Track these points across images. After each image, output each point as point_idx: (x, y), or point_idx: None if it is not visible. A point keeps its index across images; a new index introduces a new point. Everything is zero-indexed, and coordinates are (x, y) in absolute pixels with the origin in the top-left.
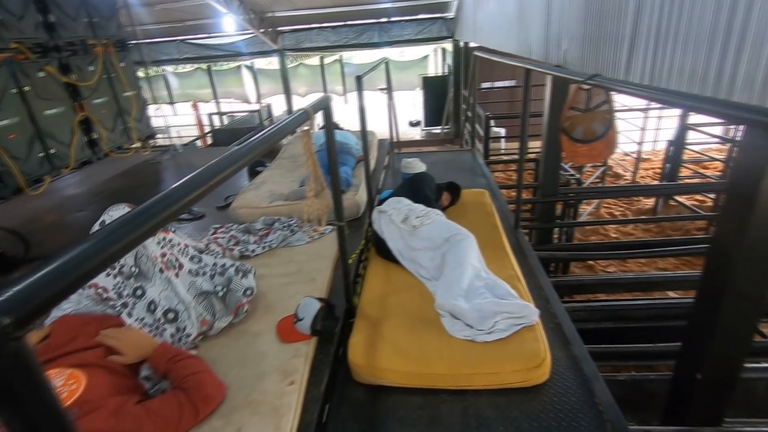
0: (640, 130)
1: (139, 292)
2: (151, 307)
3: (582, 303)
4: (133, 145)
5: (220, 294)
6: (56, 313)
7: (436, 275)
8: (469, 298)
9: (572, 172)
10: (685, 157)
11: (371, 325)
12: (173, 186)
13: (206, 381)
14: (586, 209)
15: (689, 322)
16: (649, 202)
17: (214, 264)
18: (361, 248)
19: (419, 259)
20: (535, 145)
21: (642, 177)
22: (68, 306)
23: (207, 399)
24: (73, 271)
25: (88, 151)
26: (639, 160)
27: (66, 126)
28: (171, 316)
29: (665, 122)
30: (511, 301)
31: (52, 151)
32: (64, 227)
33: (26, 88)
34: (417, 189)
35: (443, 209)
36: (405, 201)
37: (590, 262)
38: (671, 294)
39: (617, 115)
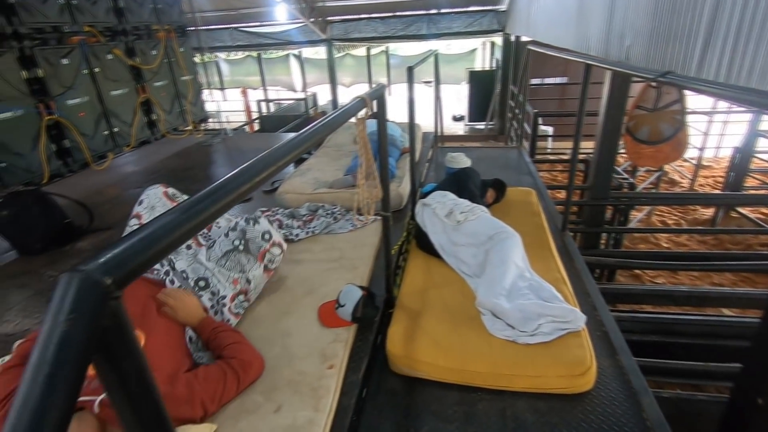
0: (703, 135)
1: (172, 264)
2: (184, 275)
3: (626, 313)
4: (188, 128)
5: (241, 247)
6: None
7: (478, 272)
8: (511, 297)
9: (625, 175)
10: (752, 166)
11: (410, 317)
12: (245, 165)
13: (244, 350)
14: (636, 215)
15: (753, 343)
16: (707, 212)
17: (226, 227)
18: (403, 240)
19: (461, 254)
20: (586, 146)
21: (701, 185)
22: None
23: (246, 366)
24: (163, 238)
25: (147, 131)
26: (699, 166)
27: (129, 106)
28: (202, 284)
29: (731, 127)
30: (556, 305)
31: (115, 129)
32: (123, 202)
33: (96, 70)
34: (462, 184)
35: (488, 206)
36: (450, 195)
37: (637, 271)
38: (726, 311)
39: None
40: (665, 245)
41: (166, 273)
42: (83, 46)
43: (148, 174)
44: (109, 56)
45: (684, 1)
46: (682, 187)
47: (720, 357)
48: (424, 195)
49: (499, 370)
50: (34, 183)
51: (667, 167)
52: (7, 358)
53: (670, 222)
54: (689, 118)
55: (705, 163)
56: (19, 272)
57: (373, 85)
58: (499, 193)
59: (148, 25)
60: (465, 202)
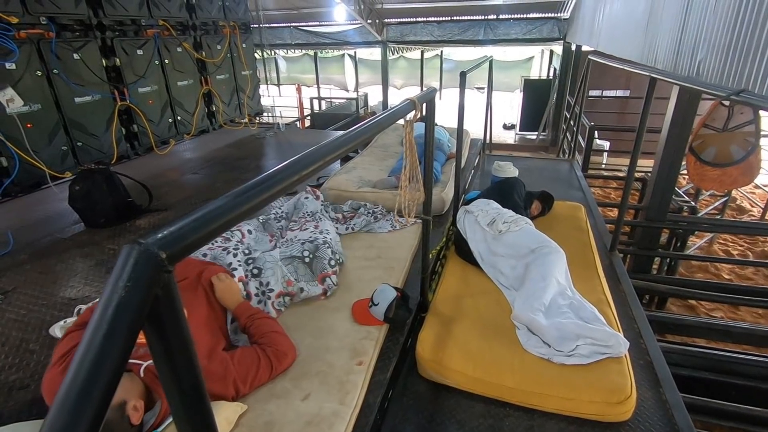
0: None
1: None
2: (249, 261)
3: (676, 345)
4: (243, 120)
5: (307, 260)
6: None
7: (516, 285)
8: (549, 314)
9: (686, 198)
10: None
11: (442, 323)
12: (292, 159)
13: (281, 340)
14: (696, 242)
15: None
16: None
17: (308, 239)
18: (442, 245)
19: (500, 265)
20: (644, 164)
21: None
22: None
23: (280, 356)
24: (213, 221)
25: (206, 121)
26: None
27: (192, 97)
28: (255, 271)
29: None
30: (597, 327)
31: (178, 118)
32: (181, 185)
33: (166, 61)
34: (506, 194)
35: (532, 218)
36: (494, 204)
37: (692, 302)
38: None
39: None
40: (727, 277)
41: (236, 248)
42: (157, 38)
43: (204, 161)
44: (179, 49)
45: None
46: (752, 215)
47: None
48: (468, 202)
49: (530, 387)
50: (104, 163)
51: (735, 192)
52: (70, 320)
53: (734, 252)
54: (763, 140)
55: None
56: (85, 242)
57: (425, 89)
58: (546, 205)
59: (216, 21)
60: (508, 212)
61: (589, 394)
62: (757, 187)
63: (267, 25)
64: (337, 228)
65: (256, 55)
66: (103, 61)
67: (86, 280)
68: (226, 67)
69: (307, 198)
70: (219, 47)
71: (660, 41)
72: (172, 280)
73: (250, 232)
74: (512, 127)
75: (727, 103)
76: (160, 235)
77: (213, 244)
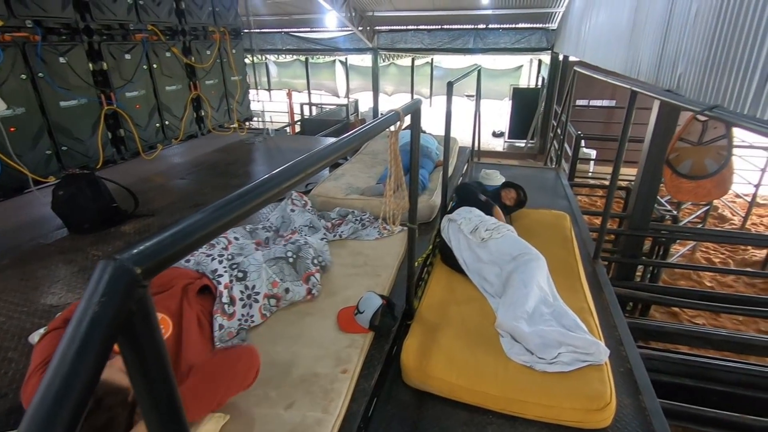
0: (760, 171)
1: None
2: (233, 265)
3: (658, 352)
4: (233, 125)
5: (291, 260)
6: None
7: (500, 292)
8: (532, 322)
9: (669, 207)
10: None
11: (428, 331)
12: (277, 170)
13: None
14: (678, 249)
15: None
16: (759, 253)
17: (290, 241)
18: (428, 253)
19: (485, 272)
20: (629, 173)
21: (753, 224)
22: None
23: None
24: (190, 236)
25: (195, 126)
26: (753, 204)
27: (180, 102)
28: (240, 275)
29: None
30: (578, 335)
31: (166, 122)
32: (167, 190)
33: (154, 66)
34: (469, 197)
35: (506, 209)
36: (476, 211)
37: (675, 309)
38: None
39: (734, 152)
40: (708, 284)
41: (220, 254)
42: (145, 43)
43: (192, 166)
44: (167, 54)
45: (744, 32)
46: (733, 224)
47: (760, 410)
48: (451, 210)
49: (513, 394)
50: (89, 167)
51: (717, 202)
52: (41, 331)
53: (716, 260)
54: (744, 152)
55: (761, 201)
56: (68, 248)
57: (415, 96)
58: (519, 191)
59: (205, 26)
60: (491, 220)
61: (570, 401)
62: (737, 196)
63: (258, 31)
64: (325, 235)
65: (246, 60)
66: (90, 65)
67: (68, 286)
68: (216, 72)
69: (293, 211)
70: (208, 52)
71: (642, 54)
72: (146, 295)
73: (237, 239)
74: (501, 134)
75: (702, 117)
76: (135, 251)
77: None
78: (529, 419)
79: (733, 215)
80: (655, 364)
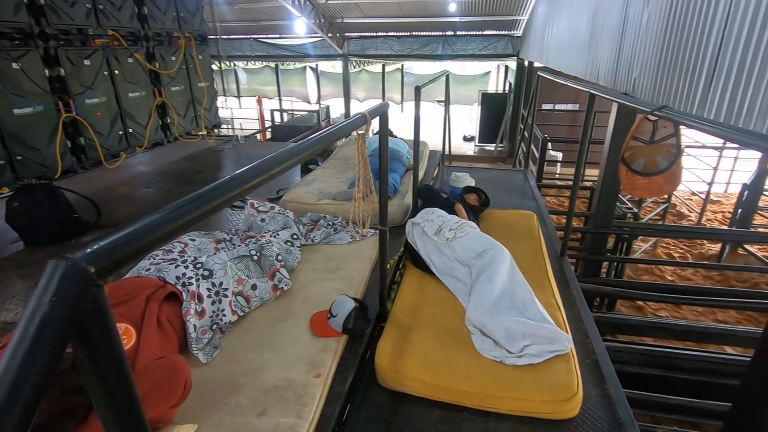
0: (713, 170)
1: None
2: (197, 265)
3: (625, 344)
4: (200, 133)
5: (255, 257)
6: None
7: (470, 290)
8: (497, 315)
9: (630, 205)
10: (761, 203)
11: (401, 332)
12: (236, 173)
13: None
14: (641, 246)
15: (742, 383)
16: (714, 247)
17: (252, 240)
18: (400, 255)
19: (455, 272)
20: (593, 173)
21: (709, 220)
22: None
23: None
24: (146, 236)
25: (160, 134)
26: (707, 201)
27: (145, 109)
28: (206, 273)
29: (742, 164)
30: (541, 325)
31: (130, 130)
32: (132, 200)
33: (116, 72)
34: (433, 198)
35: (473, 210)
36: (438, 212)
37: (640, 303)
38: (728, 349)
39: (686, 150)
40: (669, 278)
41: (182, 257)
42: (105, 48)
43: (158, 175)
44: (130, 60)
45: (691, 37)
46: (690, 220)
47: (719, 395)
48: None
49: (485, 390)
50: (46, 177)
51: (674, 199)
52: None
53: (676, 255)
54: (698, 152)
55: (714, 198)
56: (24, 262)
57: (382, 102)
58: (480, 193)
59: (170, 32)
60: (453, 219)
61: (540, 393)
62: (693, 194)
63: (225, 37)
64: (296, 234)
65: (213, 66)
66: (47, 71)
67: (25, 302)
68: (182, 79)
69: (264, 221)
70: (173, 58)
71: (601, 59)
72: (102, 295)
73: (192, 240)
74: (472, 139)
75: (652, 117)
76: (89, 250)
77: (154, 258)
78: (501, 413)
79: (690, 212)
80: (622, 355)
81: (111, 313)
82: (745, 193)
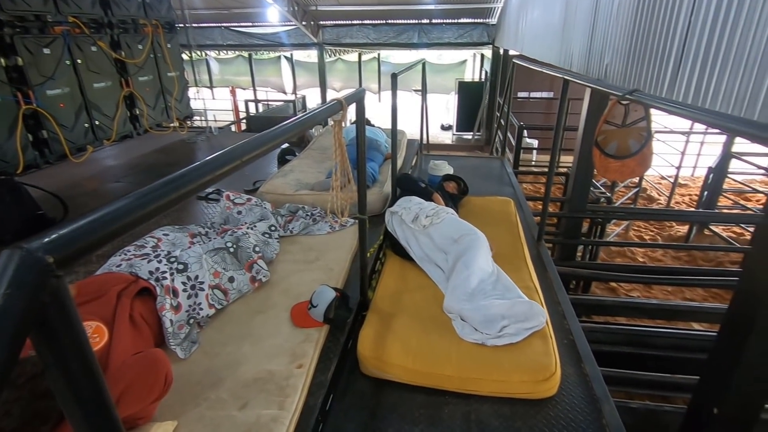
0: (680, 154)
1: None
2: (171, 259)
3: (600, 324)
4: (172, 124)
5: (231, 250)
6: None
7: (448, 277)
8: (473, 300)
9: (603, 189)
10: (725, 186)
11: (383, 320)
12: (206, 159)
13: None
14: (614, 230)
15: (710, 355)
16: (682, 229)
17: (228, 232)
18: (380, 243)
19: (434, 259)
20: (568, 160)
21: (677, 202)
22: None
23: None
24: (110, 224)
25: (129, 126)
26: (676, 184)
27: (111, 100)
28: (180, 267)
29: (708, 148)
30: (516, 300)
31: (96, 122)
32: (101, 195)
33: (79, 61)
34: (411, 187)
35: (452, 198)
36: (416, 200)
37: (613, 284)
38: (696, 326)
39: (656, 135)
40: (641, 260)
41: (155, 252)
42: (66, 36)
43: (128, 168)
44: (93, 48)
45: (659, 23)
46: (660, 204)
47: (689, 370)
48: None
49: (467, 374)
50: (7, 173)
51: (645, 183)
52: None
53: (647, 237)
54: (667, 137)
55: (682, 182)
56: None
57: (358, 89)
58: (458, 181)
59: (135, 19)
60: (430, 206)
61: (519, 374)
62: (663, 178)
63: (195, 25)
64: (274, 226)
65: (184, 56)
66: (2, 60)
67: None
68: (150, 68)
69: (240, 213)
70: (140, 47)
71: (574, 46)
72: (63, 286)
73: (166, 235)
74: (450, 127)
75: (624, 101)
76: (47, 239)
77: (126, 254)
78: (483, 395)
79: (660, 195)
80: (597, 335)
81: (74, 305)
82: (711, 176)
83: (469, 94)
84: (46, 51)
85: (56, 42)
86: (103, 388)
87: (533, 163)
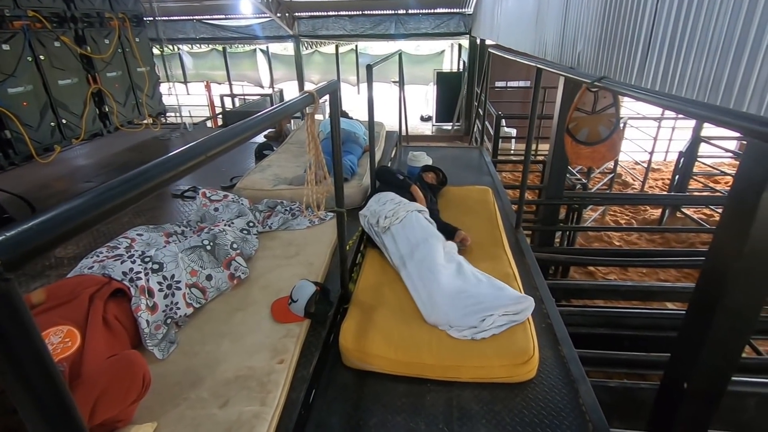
0: (652, 140)
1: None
2: (145, 259)
3: (578, 307)
4: (144, 121)
5: (208, 247)
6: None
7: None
8: (455, 310)
9: (579, 176)
10: (696, 169)
11: (364, 312)
12: (170, 153)
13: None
14: (591, 215)
15: (680, 332)
16: (655, 212)
17: (204, 230)
18: (358, 235)
19: (406, 263)
20: (545, 148)
21: (651, 187)
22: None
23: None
24: (64, 223)
25: (98, 124)
26: (649, 169)
27: (78, 97)
28: (155, 267)
29: (679, 133)
30: (506, 294)
31: (63, 121)
32: (72, 196)
33: (41, 57)
34: (389, 180)
35: (431, 189)
36: (384, 198)
37: (591, 268)
38: (669, 305)
39: (628, 122)
40: (617, 243)
41: (128, 252)
42: (27, 31)
43: (100, 167)
44: (57, 44)
45: (628, 10)
46: (634, 188)
47: (663, 348)
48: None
49: (447, 361)
50: None
51: (620, 169)
52: None
53: (622, 221)
54: (639, 123)
55: (655, 166)
56: None
57: (342, 84)
58: (437, 172)
59: (100, 12)
60: (389, 206)
61: (499, 359)
62: (636, 163)
63: (165, 18)
64: (253, 221)
65: (154, 50)
66: None
67: None
68: (118, 64)
69: (217, 210)
70: (107, 41)
71: (547, 35)
72: (12, 290)
73: (140, 235)
74: (429, 118)
75: (593, 88)
76: None
77: (98, 255)
78: (464, 382)
79: (634, 180)
80: (575, 318)
81: (28, 309)
82: (682, 160)
83: (447, 85)
84: (5, 47)
85: (16, 38)
86: (64, 391)
87: (512, 152)
